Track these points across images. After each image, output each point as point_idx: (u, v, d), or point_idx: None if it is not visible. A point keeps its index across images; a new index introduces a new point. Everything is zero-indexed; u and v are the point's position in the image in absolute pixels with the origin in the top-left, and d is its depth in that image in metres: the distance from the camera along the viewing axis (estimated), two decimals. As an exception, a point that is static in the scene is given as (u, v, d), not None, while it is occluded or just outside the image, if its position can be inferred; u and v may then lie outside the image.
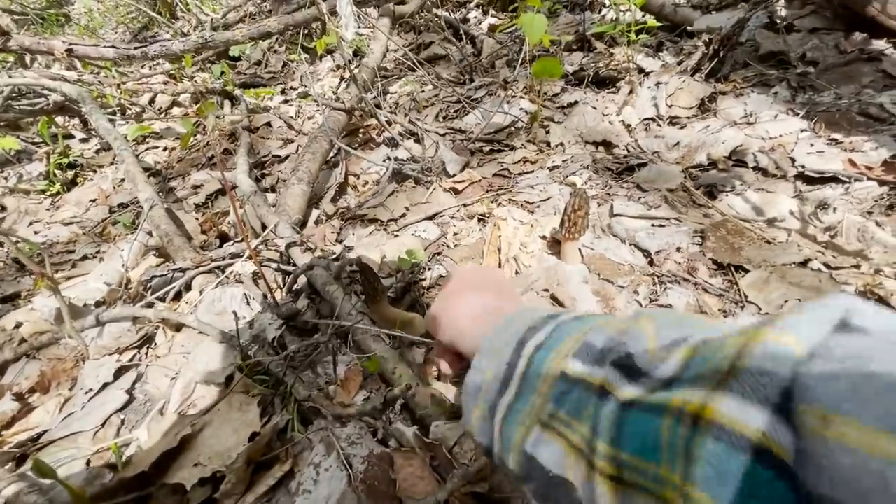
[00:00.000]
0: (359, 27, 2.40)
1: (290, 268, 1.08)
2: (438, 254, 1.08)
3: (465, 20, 2.68)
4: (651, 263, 0.95)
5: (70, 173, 1.94)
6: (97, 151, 2.15)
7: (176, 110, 2.43)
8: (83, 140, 2.23)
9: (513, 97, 1.68)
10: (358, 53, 2.47)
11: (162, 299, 1.04)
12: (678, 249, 0.96)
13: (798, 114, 1.27)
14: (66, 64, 2.60)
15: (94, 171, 1.99)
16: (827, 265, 0.85)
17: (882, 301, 0.75)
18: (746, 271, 0.87)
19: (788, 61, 1.46)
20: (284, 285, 1.05)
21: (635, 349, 0.28)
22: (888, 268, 0.80)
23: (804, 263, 0.86)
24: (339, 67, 2.54)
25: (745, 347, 0.21)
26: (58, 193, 1.86)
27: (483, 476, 0.67)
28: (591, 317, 0.35)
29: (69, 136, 2.21)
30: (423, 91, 1.99)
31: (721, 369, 0.22)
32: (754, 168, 1.17)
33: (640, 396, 0.26)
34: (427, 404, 0.76)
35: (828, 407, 0.18)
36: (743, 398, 0.20)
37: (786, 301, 0.79)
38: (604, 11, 2.28)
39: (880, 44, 1.38)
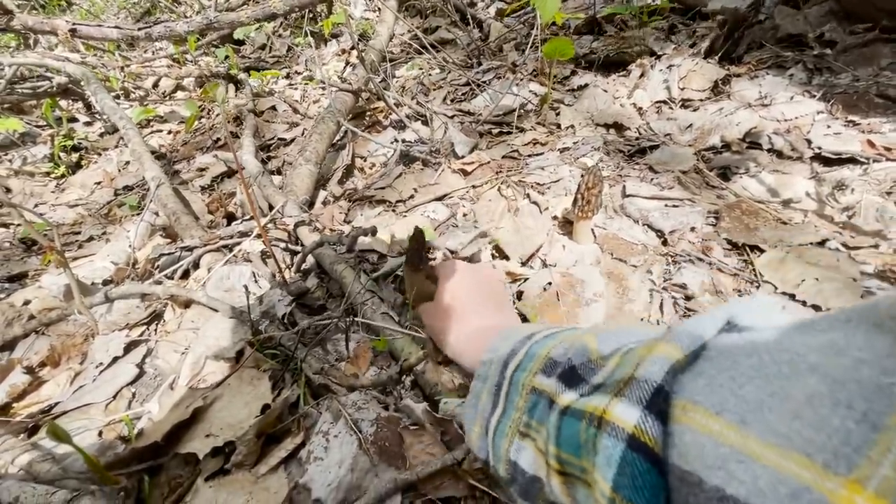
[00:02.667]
0: (366, 9, 2.36)
1: (298, 248, 1.07)
2: (448, 234, 1.07)
3: (472, 4, 2.64)
4: (665, 243, 0.94)
5: (74, 156, 1.93)
6: (101, 134, 2.14)
7: (180, 94, 2.41)
8: (87, 123, 2.22)
9: (521, 80, 1.65)
10: (364, 37, 2.44)
11: (170, 277, 1.03)
12: (692, 229, 0.94)
13: (814, 96, 1.24)
14: (69, 47, 2.57)
15: (99, 154, 1.98)
16: (845, 245, 0.83)
17: (902, 280, 0.74)
18: (762, 251, 0.86)
19: (805, 42, 1.43)
20: (293, 264, 1.04)
21: (577, 361, 0.33)
22: (908, 247, 0.79)
23: (821, 243, 0.84)
24: (343, 52, 2.51)
25: (643, 359, 0.25)
26: (63, 176, 1.85)
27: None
28: (559, 332, 0.40)
29: (73, 120, 2.19)
30: (430, 74, 1.97)
31: (625, 378, 0.26)
32: (769, 150, 1.15)
33: (571, 402, 0.30)
34: (437, 381, 0.75)
35: (688, 399, 0.22)
36: (630, 401, 0.24)
37: (803, 280, 0.78)
38: (614, -6, 2.23)
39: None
